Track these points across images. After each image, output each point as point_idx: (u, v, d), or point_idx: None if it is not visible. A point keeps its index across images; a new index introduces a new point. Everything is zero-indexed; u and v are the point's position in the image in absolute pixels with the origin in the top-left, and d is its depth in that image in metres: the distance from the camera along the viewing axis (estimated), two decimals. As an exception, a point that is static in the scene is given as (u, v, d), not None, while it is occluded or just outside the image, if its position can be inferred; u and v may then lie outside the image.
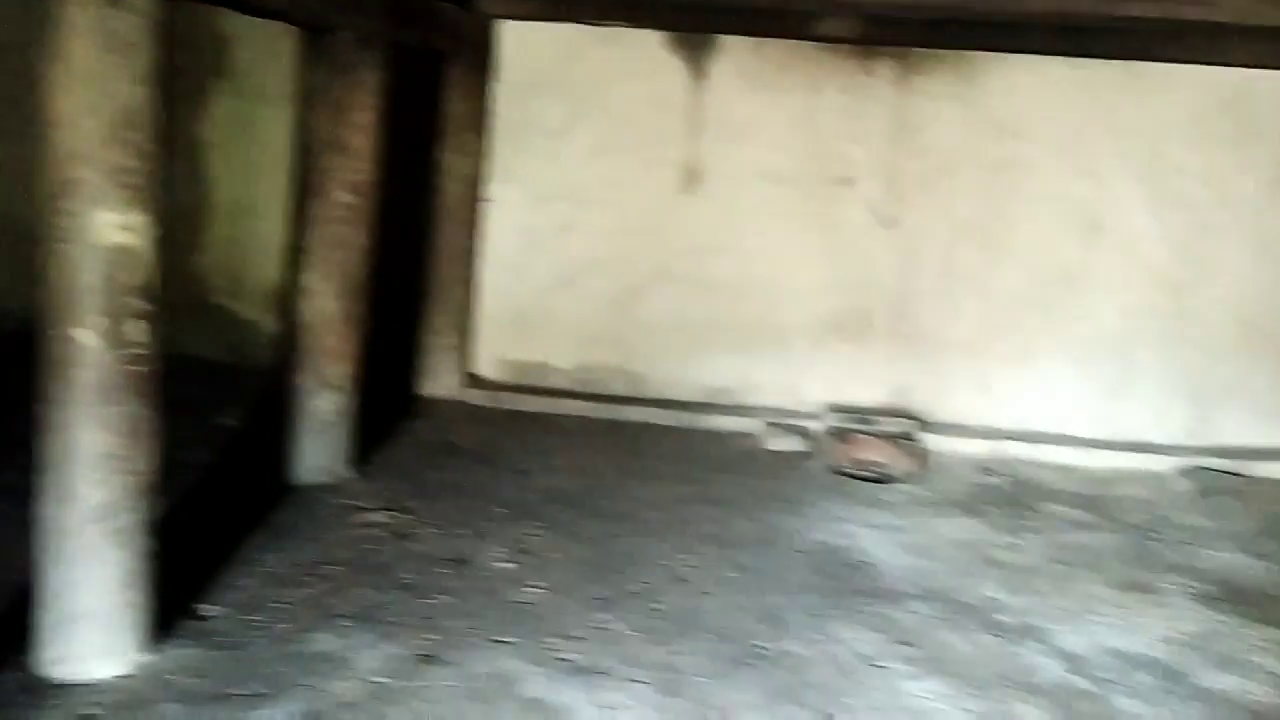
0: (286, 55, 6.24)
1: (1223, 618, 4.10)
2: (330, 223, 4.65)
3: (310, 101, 4.71)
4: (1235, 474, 5.70)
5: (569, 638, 3.60)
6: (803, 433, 6.03)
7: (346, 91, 4.64)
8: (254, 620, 3.56)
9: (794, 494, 5.22)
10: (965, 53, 5.99)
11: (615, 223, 6.36)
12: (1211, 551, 4.78)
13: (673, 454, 5.72)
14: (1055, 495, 5.44)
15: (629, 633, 3.67)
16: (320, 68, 4.67)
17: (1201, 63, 5.76)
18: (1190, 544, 4.86)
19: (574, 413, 6.24)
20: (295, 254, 4.69)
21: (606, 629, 3.69)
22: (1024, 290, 6.15)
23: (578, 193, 6.35)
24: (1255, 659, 3.77)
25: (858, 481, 5.51)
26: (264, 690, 3.17)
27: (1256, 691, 3.54)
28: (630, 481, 5.22)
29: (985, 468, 5.81)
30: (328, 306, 4.68)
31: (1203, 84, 5.88)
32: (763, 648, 3.62)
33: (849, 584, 4.20)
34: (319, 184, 4.66)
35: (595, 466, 5.42)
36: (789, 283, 6.28)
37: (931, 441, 6.01)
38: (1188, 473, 5.72)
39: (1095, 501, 5.37)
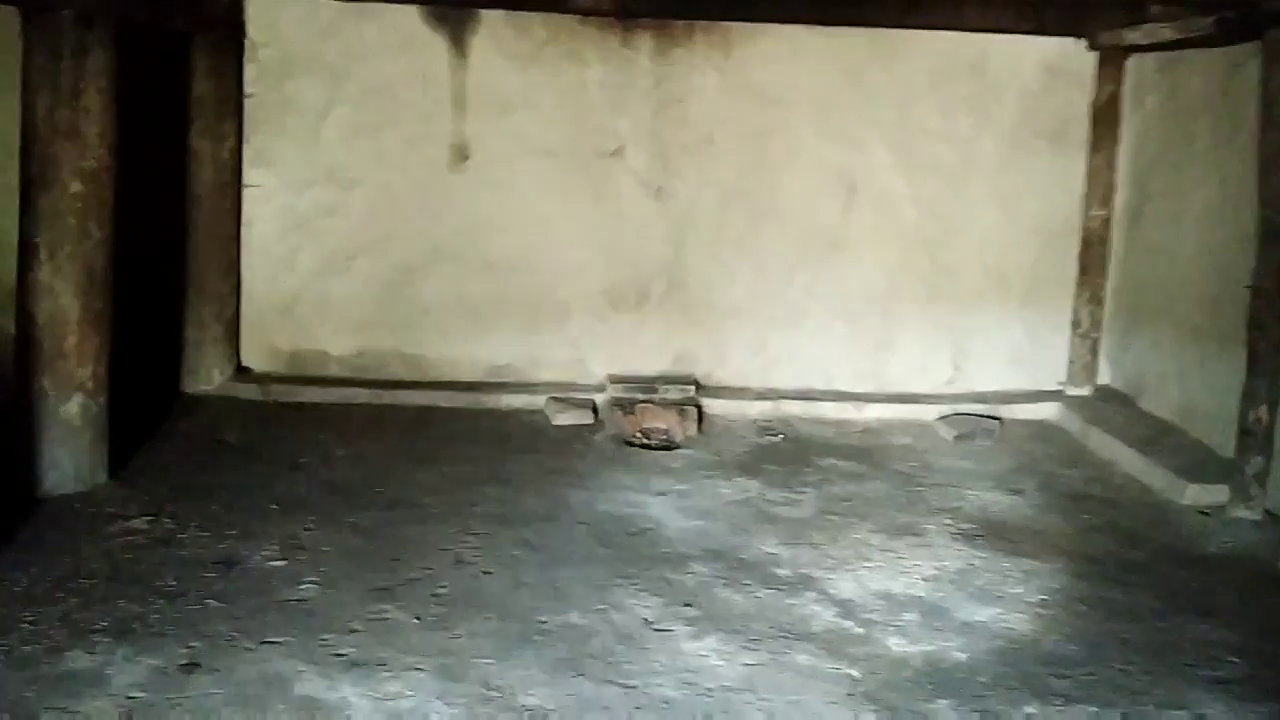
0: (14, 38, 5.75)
1: (982, 554, 4.34)
2: (62, 215, 4.33)
3: (33, 86, 4.34)
4: (991, 417, 6.05)
5: (344, 632, 3.48)
6: (587, 406, 6.04)
7: (72, 74, 4.33)
8: (-5, 645, 3.29)
9: (580, 467, 5.22)
10: (721, 23, 6.10)
11: (384, 203, 6.19)
12: (972, 492, 5.06)
13: (456, 436, 5.63)
14: (829, 449, 5.64)
15: (408, 621, 3.58)
16: (42, 49, 4.32)
17: (942, 28, 6.05)
18: (953, 486, 5.13)
19: (352, 401, 6.06)
20: (26, 250, 4.33)
21: (384, 619, 3.59)
22: (792, 253, 6.34)
23: (342, 174, 6.15)
24: (1011, 590, 4.01)
25: (643, 450, 5.56)
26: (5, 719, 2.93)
27: (1011, 620, 3.76)
28: (412, 467, 5.10)
29: (764, 428, 5.97)
30: (65, 304, 4.36)
31: (944, 49, 6.19)
32: (544, 623, 3.60)
33: (632, 551, 4.23)
34: (47, 174, 4.33)
35: (374, 455, 5.27)
36: (565, 257, 6.26)
37: (712, 405, 6.13)
38: (948, 419, 6.03)
39: (866, 453, 5.61)
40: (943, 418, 6.08)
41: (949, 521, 4.68)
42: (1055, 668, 3.44)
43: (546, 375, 6.33)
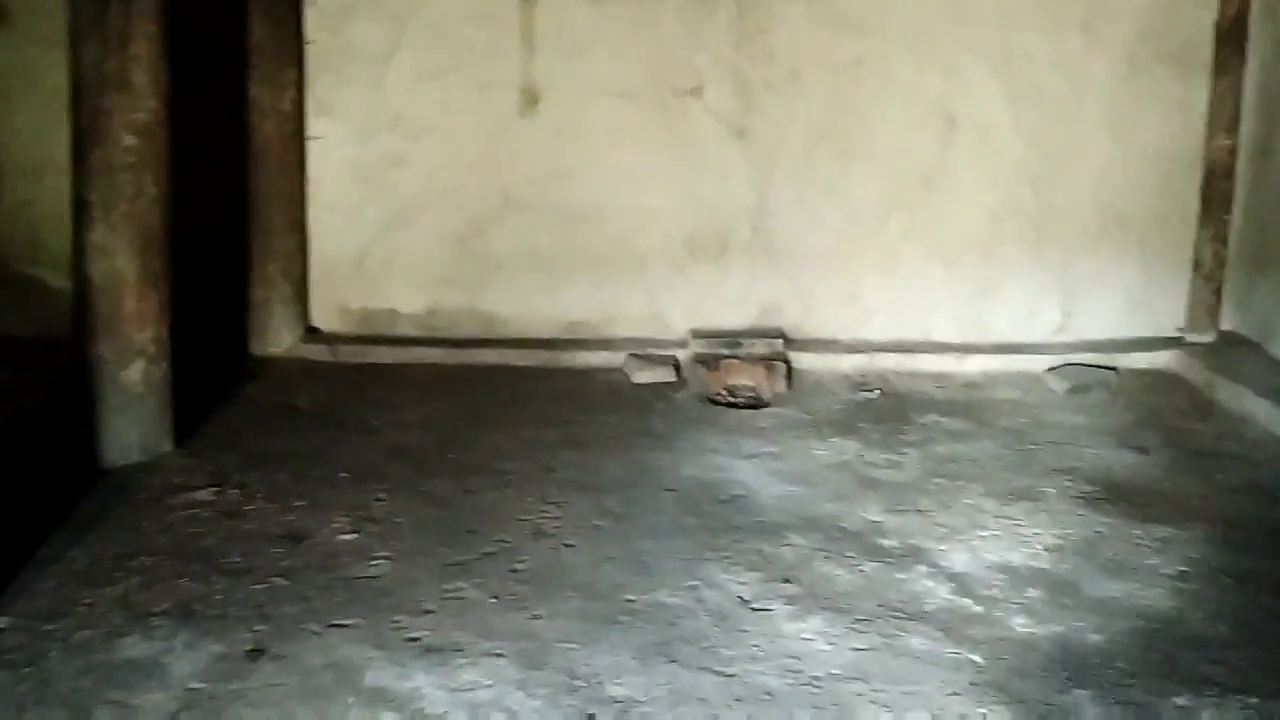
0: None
1: (1108, 520, 3.95)
2: (115, 170, 4.10)
3: (80, 33, 4.10)
4: (1105, 368, 5.60)
5: (418, 613, 3.23)
6: (669, 362, 5.72)
7: (121, 20, 4.07)
8: (51, 630, 3.10)
9: (662, 429, 4.92)
10: (808, -54, 5.66)
11: (452, 153, 5.90)
12: (1091, 450, 4.65)
13: (532, 396, 5.36)
14: (931, 405, 5.25)
15: (485, 600, 3.32)
16: (90, -6, 4.08)
17: (1049, -57, 5.55)
18: (1069, 444, 4.72)
19: (424, 361, 5.82)
20: (80, 208, 4.11)
21: (460, 598, 3.33)
22: (884, 194, 5.92)
23: (407, 123, 5.87)
24: (1146, 561, 3.62)
25: (728, 409, 5.23)
26: (58, 713, 2.73)
27: (1149, 596, 3.38)
28: (486, 431, 4.84)
29: (858, 382, 5.60)
30: (121, 265, 4.14)
31: (1050, -34, 5.69)
32: (632, 602, 3.31)
33: (723, 520, 3.92)
34: (98, 127, 4.09)
35: (447, 417, 5.02)
36: (642, 204, 5.92)
37: (802, 360, 5.77)
38: (1059, 370, 5.59)
39: (971, 409, 5.21)
40: (1052, 369, 5.64)
41: (1069, 483, 4.29)
42: (1204, 651, 3.06)
43: (624, 331, 6.02)
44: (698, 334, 5.89)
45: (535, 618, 3.21)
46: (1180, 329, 5.90)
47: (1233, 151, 5.67)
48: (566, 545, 3.71)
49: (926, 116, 5.84)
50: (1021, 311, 5.96)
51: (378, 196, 5.93)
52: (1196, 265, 5.83)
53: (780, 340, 5.83)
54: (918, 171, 5.88)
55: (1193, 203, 5.81)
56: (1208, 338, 5.80)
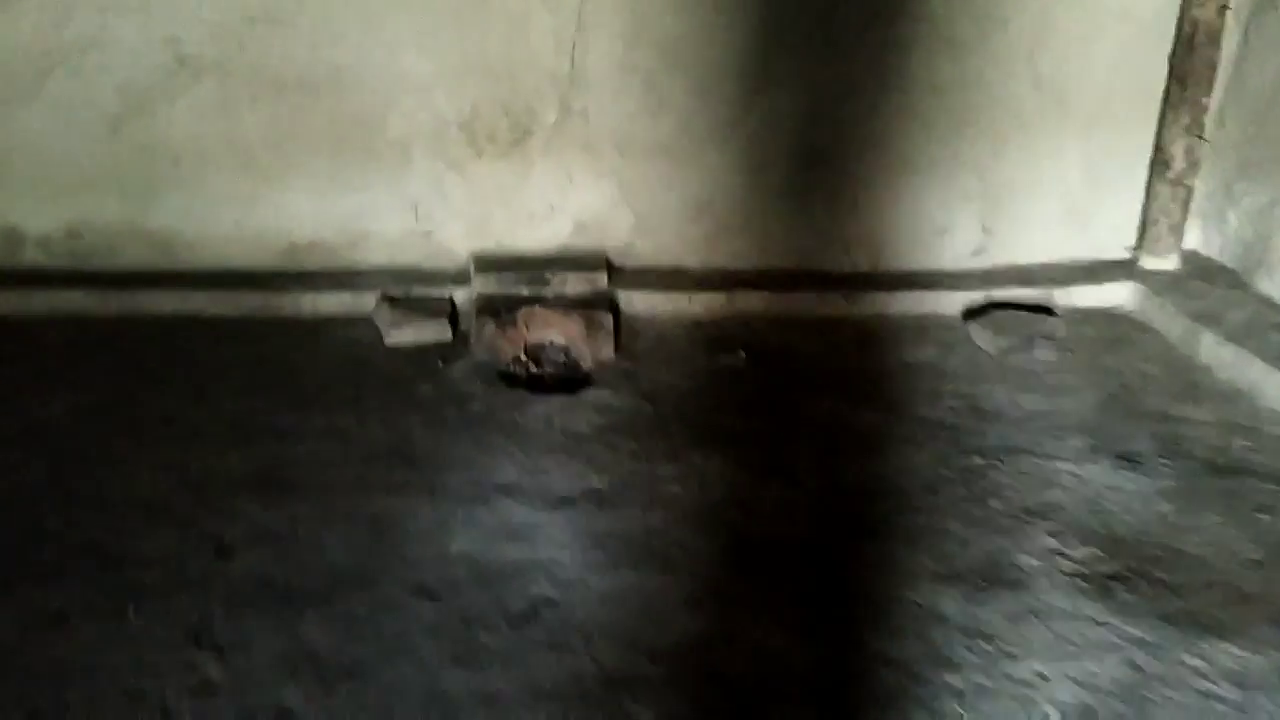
0: None
1: (1135, 630, 2.46)
2: None
3: None
4: (1041, 309, 4.10)
5: None
6: (441, 310, 3.87)
7: None
8: None
9: (424, 443, 3.15)
10: None
11: (85, -18, 3.74)
12: (1064, 465, 3.15)
13: (219, 375, 3.47)
14: (816, 379, 3.64)
15: None
16: None
17: None
18: (1028, 453, 3.22)
19: (60, 311, 3.79)
20: None
21: None
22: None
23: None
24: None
25: (530, 393, 3.47)
26: None
27: None
28: (124, 456, 2.97)
29: (713, 336, 3.91)
30: None
31: None
32: None
33: (519, 670, 2.21)
34: None
35: (62, 428, 3.10)
36: (398, 67, 3.93)
37: (634, 302, 4.04)
38: (985, 317, 4.05)
39: (875, 383, 3.63)
40: (973, 312, 4.09)
41: (1053, 545, 2.76)
42: None
43: (375, 257, 4.12)
44: (484, 262, 4.05)
45: None
46: (1131, 249, 4.43)
47: (1223, 10, 4.10)
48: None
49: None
50: (927, 226, 4.34)
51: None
52: (1160, 164, 4.30)
53: (604, 273, 4.05)
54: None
55: (1160, 78, 4.25)
56: (1169, 264, 4.34)
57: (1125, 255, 4.42)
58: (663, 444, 3.18)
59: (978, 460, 3.16)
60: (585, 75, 4.01)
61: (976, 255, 4.39)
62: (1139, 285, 4.23)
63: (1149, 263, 4.35)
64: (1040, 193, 4.36)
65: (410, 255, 4.12)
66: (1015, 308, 4.10)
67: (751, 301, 4.11)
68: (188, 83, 3.85)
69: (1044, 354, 3.84)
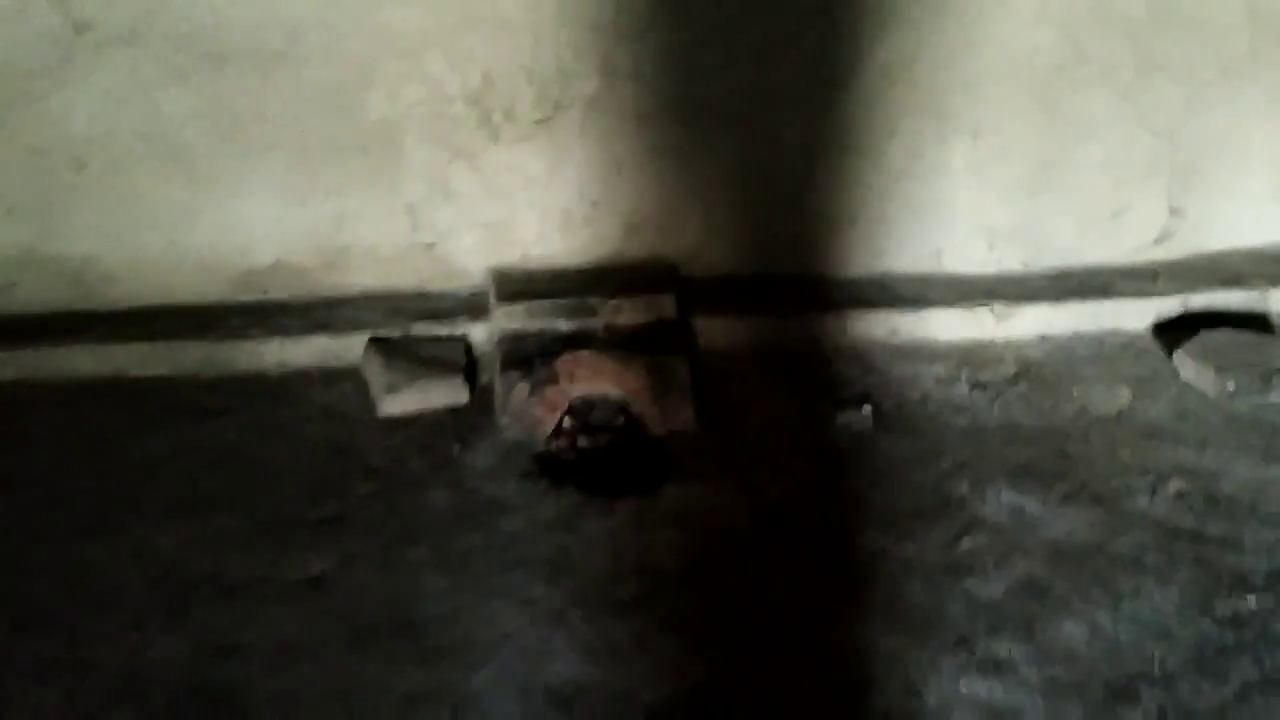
0: None
1: None
2: None
3: None
4: (1256, 317, 3.05)
5: None
6: (455, 361, 2.84)
7: None
8: None
9: (433, 607, 2.13)
10: None
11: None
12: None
13: (141, 484, 2.46)
14: (978, 443, 2.61)
15: None
16: None
17: None
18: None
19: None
20: None
21: None
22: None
23: None
24: None
25: (582, 496, 2.45)
26: None
27: None
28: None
29: (831, 384, 2.87)
30: None
31: None
32: None
33: None
34: None
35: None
36: (382, 23, 2.83)
37: (714, 332, 2.99)
38: (1194, 343, 3.00)
39: (1061, 448, 2.60)
40: (1170, 327, 3.04)
41: None
42: None
43: (362, 280, 3.07)
44: (507, 284, 3.00)
45: None
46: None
47: None
48: None
49: None
50: (1098, 207, 3.24)
51: None
52: None
53: (671, 295, 2.99)
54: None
55: None
56: None
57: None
58: (793, 585, 2.17)
59: (1247, 603, 2.14)
60: (635, 19, 2.89)
61: (1161, 243, 3.30)
62: (1388, 282, 3.15)
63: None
64: (1246, 158, 3.25)
65: (408, 276, 3.06)
66: (1225, 320, 3.04)
67: (868, 325, 3.05)
68: (89, 58, 2.75)
69: (1282, 395, 2.79)
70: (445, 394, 2.75)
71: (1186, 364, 2.88)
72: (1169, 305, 3.12)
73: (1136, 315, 3.10)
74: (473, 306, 3.00)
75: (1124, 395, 2.82)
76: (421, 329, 2.92)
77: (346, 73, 2.85)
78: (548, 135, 2.98)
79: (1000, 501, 2.42)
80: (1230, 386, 2.78)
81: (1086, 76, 3.08)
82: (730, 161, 3.07)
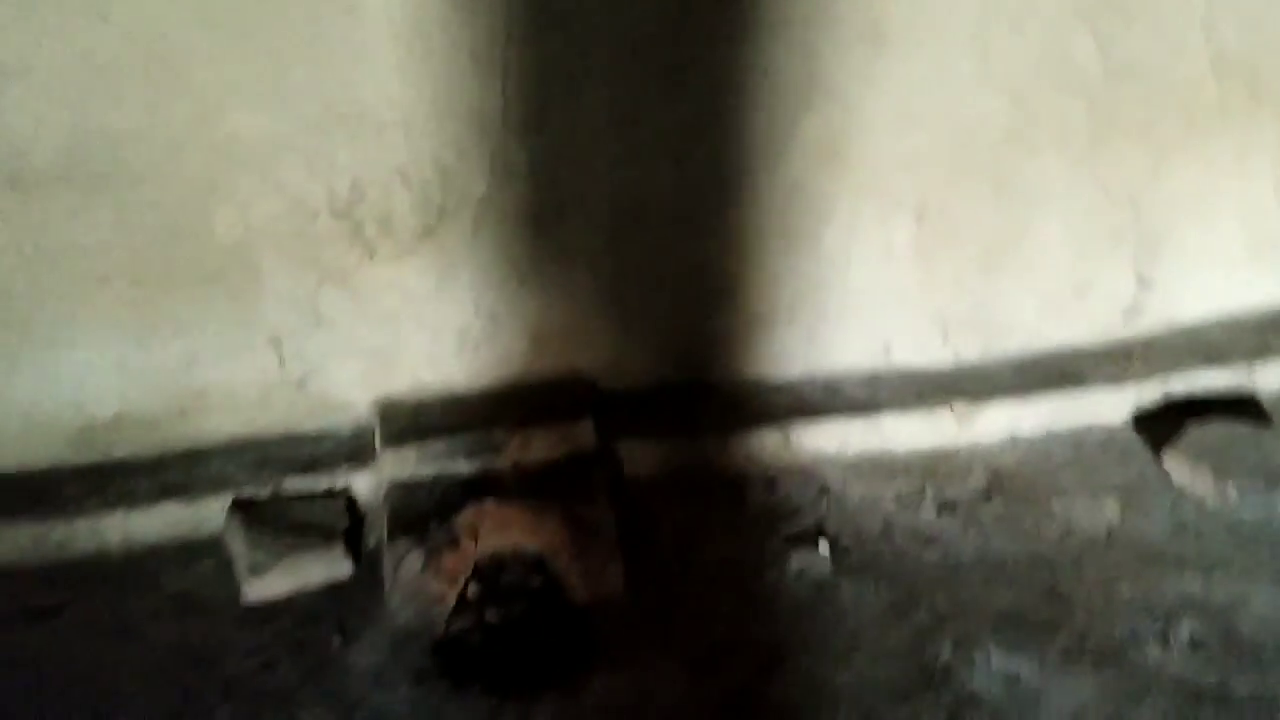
0: None
1: None
2: None
3: None
4: (1245, 401, 2.72)
5: None
6: (331, 523, 2.39)
7: None
8: None
9: None
10: None
11: None
12: None
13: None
14: (957, 593, 2.23)
15: None
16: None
17: None
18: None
19: None
20: None
21: None
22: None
23: None
24: None
25: (493, 699, 2.01)
26: None
27: None
28: None
29: (764, 505, 2.47)
30: None
31: None
32: None
33: None
34: None
35: None
36: (227, 131, 2.38)
37: (638, 457, 2.58)
38: (1185, 439, 2.67)
39: (1050, 592, 2.24)
40: (1152, 420, 2.70)
41: None
42: None
43: (223, 427, 2.60)
44: (395, 418, 2.56)
45: None
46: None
47: None
48: None
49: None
50: (1061, 284, 2.90)
51: None
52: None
53: (589, 420, 2.57)
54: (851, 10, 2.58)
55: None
56: None
57: (1340, 298, 3.03)
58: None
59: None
60: (526, 109, 2.49)
61: (1131, 319, 2.96)
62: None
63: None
64: (1217, 219, 2.93)
65: (277, 418, 2.61)
66: (1211, 406, 2.71)
67: (815, 438, 2.66)
68: None
69: (1286, 497, 2.45)
70: (323, 569, 2.30)
71: (1178, 466, 2.54)
72: (1148, 391, 2.78)
73: (1113, 406, 2.76)
74: (355, 450, 2.55)
75: (1112, 508, 2.47)
76: (294, 483, 2.47)
77: (186, 190, 2.40)
78: (433, 246, 2.56)
79: (991, 668, 2.04)
80: (1232, 494, 2.43)
81: (1038, 143, 2.75)
82: (646, 260, 2.68)
